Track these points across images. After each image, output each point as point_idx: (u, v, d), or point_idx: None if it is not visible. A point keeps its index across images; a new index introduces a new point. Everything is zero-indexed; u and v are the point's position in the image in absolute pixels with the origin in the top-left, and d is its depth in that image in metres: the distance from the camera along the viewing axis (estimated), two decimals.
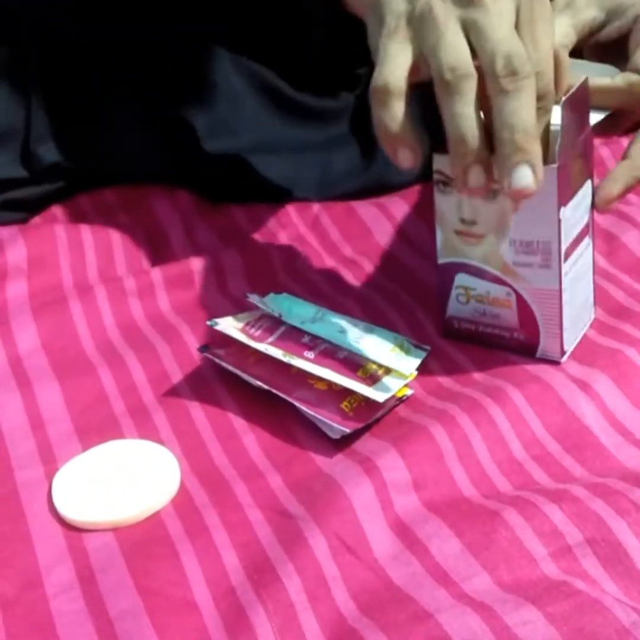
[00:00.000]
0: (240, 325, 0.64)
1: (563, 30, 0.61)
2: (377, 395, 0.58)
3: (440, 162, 0.59)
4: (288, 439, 0.59)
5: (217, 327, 0.64)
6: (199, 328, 0.69)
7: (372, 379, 0.59)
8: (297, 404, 0.59)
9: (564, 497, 0.52)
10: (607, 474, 0.54)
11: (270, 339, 0.62)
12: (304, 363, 0.60)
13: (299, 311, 0.65)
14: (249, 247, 0.80)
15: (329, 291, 0.73)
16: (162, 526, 0.54)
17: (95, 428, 0.61)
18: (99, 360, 0.67)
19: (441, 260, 0.64)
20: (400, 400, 0.61)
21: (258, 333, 0.63)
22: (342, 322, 0.64)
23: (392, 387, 0.59)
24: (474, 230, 0.61)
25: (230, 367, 0.63)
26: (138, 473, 0.56)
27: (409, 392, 0.61)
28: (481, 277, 0.62)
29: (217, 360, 0.64)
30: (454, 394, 0.61)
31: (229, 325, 0.64)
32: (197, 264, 0.77)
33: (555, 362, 0.62)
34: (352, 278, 0.75)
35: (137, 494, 0.55)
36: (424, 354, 0.63)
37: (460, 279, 0.64)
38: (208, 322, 0.65)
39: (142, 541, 0.53)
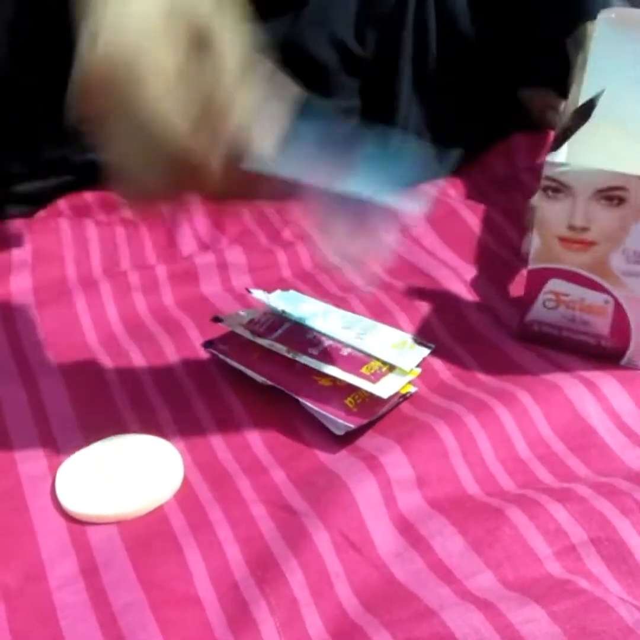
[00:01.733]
0: (245, 321, 0.64)
1: None
2: (381, 391, 0.58)
3: (550, 170, 0.59)
4: (292, 434, 0.59)
5: (222, 323, 0.64)
6: (203, 323, 0.69)
7: (376, 376, 0.59)
8: (301, 399, 0.59)
9: (568, 497, 0.52)
10: (612, 474, 0.55)
11: (275, 335, 0.62)
12: (309, 359, 0.60)
13: (303, 308, 0.65)
14: (253, 244, 0.80)
15: (333, 288, 0.73)
16: (165, 520, 0.54)
17: (98, 422, 0.61)
18: (103, 355, 0.67)
19: (534, 266, 0.63)
20: (405, 397, 0.61)
21: (262, 329, 0.63)
22: (346, 319, 0.64)
23: (395, 384, 0.59)
24: (584, 237, 0.60)
25: (234, 363, 0.63)
26: (141, 467, 0.56)
27: (413, 389, 0.61)
28: (579, 283, 0.62)
29: (221, 356, 0.64)
30: (459, 392, 0.61)
31: (233, 322, 0.64)
32: (201, 260, 0.77)
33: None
34: (356, 275, 0.75)
35: (141, 488, 0.55)
36: (427, 352, 0.63)
37: (553, 284, 0.63)
38: (213, 318, 0.65)
39: (146, 535, 0.53)
